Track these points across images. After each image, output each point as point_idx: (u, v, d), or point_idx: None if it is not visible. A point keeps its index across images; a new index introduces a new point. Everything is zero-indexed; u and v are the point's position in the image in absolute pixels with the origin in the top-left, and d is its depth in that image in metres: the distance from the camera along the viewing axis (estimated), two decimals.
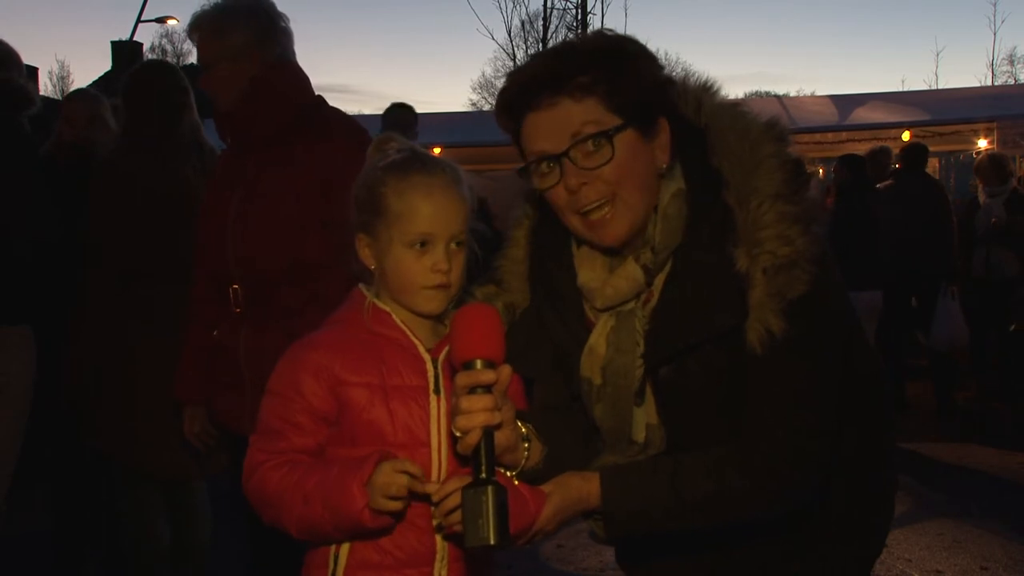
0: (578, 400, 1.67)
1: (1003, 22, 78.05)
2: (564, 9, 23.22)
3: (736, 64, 72.96)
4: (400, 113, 5.66)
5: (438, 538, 1.54)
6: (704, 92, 1.63)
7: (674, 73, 1.62)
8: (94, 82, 24.19)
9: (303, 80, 2.71)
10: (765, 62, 72.14)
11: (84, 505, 3.77)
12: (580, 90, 1.49)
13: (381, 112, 5.97)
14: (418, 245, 1.55)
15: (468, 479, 1.37)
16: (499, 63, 28.57)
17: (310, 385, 1.54)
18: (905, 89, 22.11)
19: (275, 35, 2.65)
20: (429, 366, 1.57)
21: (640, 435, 1.60)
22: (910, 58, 72.26)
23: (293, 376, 1.56)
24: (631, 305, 1.59)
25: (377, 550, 1.54)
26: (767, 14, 72.27)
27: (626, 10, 47.06)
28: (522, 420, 1.54)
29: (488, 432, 1.37)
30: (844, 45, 73.99)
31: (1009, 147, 9.01)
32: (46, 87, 34.45)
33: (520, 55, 24.50)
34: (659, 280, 1.57)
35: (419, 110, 6.01)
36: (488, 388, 1.38)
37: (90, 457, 3.51)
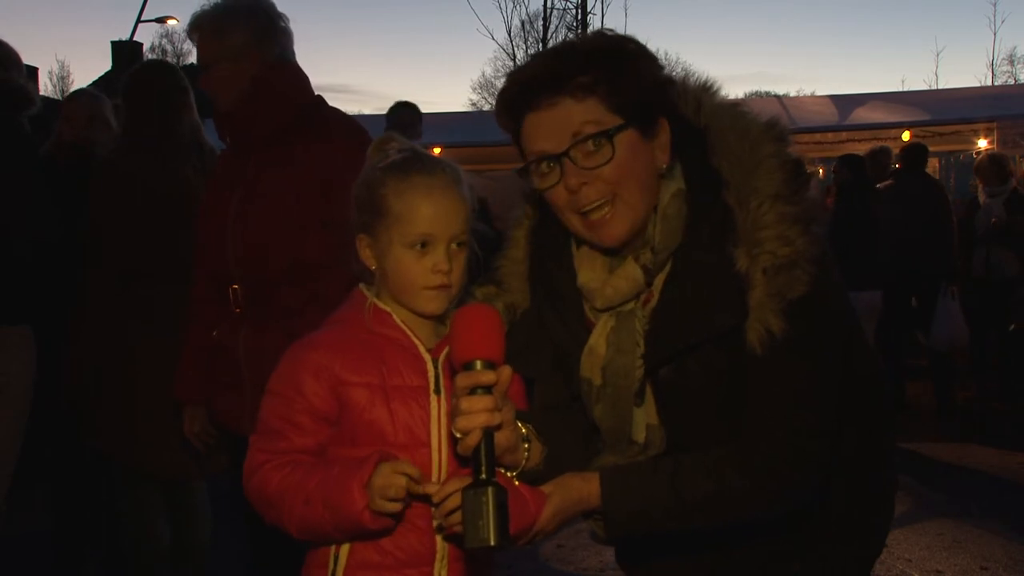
0: (578, 400, 1.67)
1: (1003, 22, 78.09)
2: (564, 9, 23.23)
3: (736, 64, 73.02)
4: (404, 112, 5.65)
5: (438, 538, 1.54)
6: (704, 92, 1.63)
7: (674, 73, 1.62)
8: (94, 82, 24.18)
9: (303, 80, 2.71)
10: (765, 62, 72.20)
11: (84, 505, 3.77)
12: (581, 90, 1.49)
13: (381, 112, 5.97)
14: (418, 246, 1.55)
15: (468, 480, 1.37)
16: (499, 63, 28.59)
17: (311, 385, 1.54)
18: (905, 89, 22.13)
19: (275, 35, 2.65)
20: (430, 366, 1.57)
21: (640, 435, 1.60)
22: (910, 58, 72.34)
23: (294, 376, 1.56)
24: (631, 305, 1.59)
25: (377, 550, 1.54)
26: (767, 14, 72.34)
27: (626, 10, 47.00)
28: (522, 421, 1.53)
29: (488, 433, 1.37)
30: (844, 45, 74.07)
31: (1009, 147, 9.01)
32: (46, 87, 34.48)
33: (520, 55, 24.51)
34: (659, 280, 1.57)
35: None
36: (488, 389, 1.38)
37: (90, 457, 3.51)
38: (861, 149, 8.41)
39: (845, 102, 10.68)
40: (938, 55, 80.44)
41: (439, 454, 1.55)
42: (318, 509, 1.48)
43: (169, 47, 36.77)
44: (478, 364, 1.39)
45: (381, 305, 1.61)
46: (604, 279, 1.59)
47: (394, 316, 1.60)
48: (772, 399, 1.50)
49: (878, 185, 7.32)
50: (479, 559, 1.58)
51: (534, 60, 1.60)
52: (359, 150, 2.47)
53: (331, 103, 2.75)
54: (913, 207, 7.04)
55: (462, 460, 1.47)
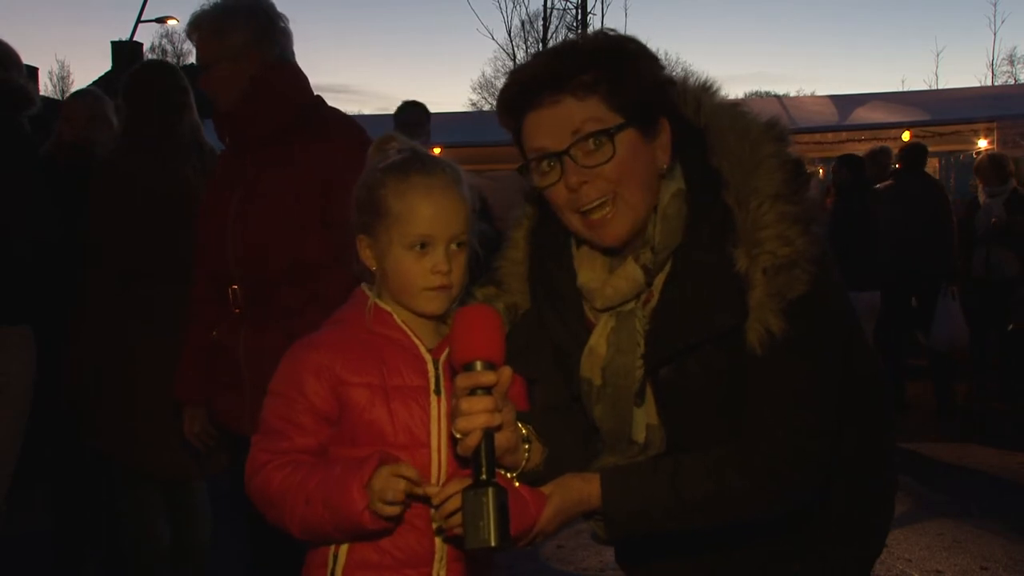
0: (578, 401, 1.67)
1: (1003, 22, 78.07)
2: (564, 9, 23.24)
3: (736, 64, 73.04)
4: (412, 111, 5.64)
5: (437, 539, 1.54)
6: (704, 92, 1.63)
7: (674, 73, 1.62)
8: (94, 82, 24.17)
9: (302, 80, 2.71)
10: (765, 62, 72.21)
11: (84, 505, 3.77)
12: (582, 89, 1.49)
13: (381, 112, 5.97)
14: (418, 246, 1.55)
15: (468, 481, 1.37)
16: (499, 63, 28.61)
17: (312, 385, 1.54)
18: (905, 89, 22.13)
19: (274, 35, 2.65)
20: (430, 367, 1.57)
21: (640, 436, 1.60)
22: (910, 58, 72.35)
23: (295, 376, 1.56)
24: (631, 305, 1.59)
25: (376, 550, 1.54)
26: (767, 14, 72.30)
27: (626, 10, 47.03)
28: (522, 421, 1.53)
29: (488, 434, 1.37)
30: (844, 45, 74.11)
31: (1009, 147, 9.00)
32: (46, 87, 34.50)
33: (520, 55, 24.52)
34: (659, 280, 1.57)
35: None
36: (488, 390, 1.38)
37: (90, 457, 3.51)
38: (861, 149, 8.41)
39: (845, 102, 10.68)
40: (938, 55, 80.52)
41: (439, 454, 1.55)
42: (318, 509, 1.48)
43: (169, 47, 36.83)
44: (478, 365, 1.39)
45: (382, 305, 1.61)
46: (604, 279, 1.59)
47: (395, 316, 1.60)
48: (772, 399, 1.50)
49: (878, 185, 7.32)
50: (479, 560, 1.58)
51: (535, 59, 1.60)
52: (359, 150, 2.47)
53: (331, 103, 2.76)
54: (913, 207, 7.04)
55: (462, 461, 1.46)
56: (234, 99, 2.61)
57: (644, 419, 1.59)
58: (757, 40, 74.01)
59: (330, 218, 2.46)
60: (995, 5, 46.30)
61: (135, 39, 25.78)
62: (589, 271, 1.62)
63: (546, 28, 23.40)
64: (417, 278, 1.56)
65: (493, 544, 1.31)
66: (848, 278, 1.65)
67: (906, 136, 9.30)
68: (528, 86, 1.53)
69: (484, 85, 31.12)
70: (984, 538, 4.51)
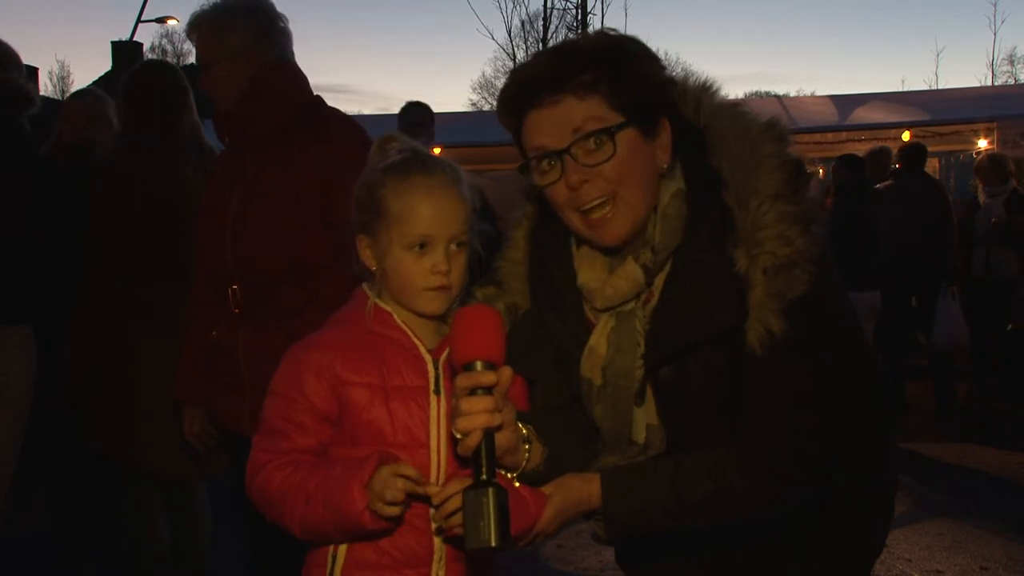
0: (578, 401, 1.67)
1: (1003, 22, 78.12)
2: (564, 9, 23.25)
3: (736, 64, 73.05)
4: (416, 112, 5.66)
5: (436, 539, 1.54)
6: (703, 92, 1.63)
7: (674, 73, 1.62)
8: (94, 82, 24.18)
9: (302, 80, 2.71)
10: (765, 62, 72.19)
11: (84, 505, 3.77)
12: (583, 88, 1.49)
13: (381, 112, 5.98)
14: (418, 247, 1.55)
15: (468, 481, 1.37)
16: (499, 63, 28.62)
17: (312, 385, 1.55)
18: (905, 89, 22.14)
19: (274, 35, 2.65)
20: (430, 367, 1.57)
21: (640, 436, 1.60)
22: (910, 58, 72.35)
23: (295, 376, 1.56)
24: (631, 305, 1.59)
25: (375, 550, 1.54)
26: (767, 14, 72.30)
27: (626, 10, 47.08)
28: (522, 421, 1.53)
29: (489, 434, 1.37)
30: (844, 45, 74.11)
31: (1009, 147, 9.00)
32: (46, 87, 34.51)
33: (520, 55, 24.52)
34: (659, 280, 1.57)
35: None
36: (489, 390, 1.38)
37: (90, 457, 3.51)
38: (861, 149, 8.41)
39: (845, 102, 10.68)
40: (938, 55, 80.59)
41: (438, 455, 1.55)
42: (318, 509, 1.48)
43: (169, 47, 36.84)
44: (478, 365, 1.39)
45: (382, 305, 1.61)
46: (604, 279, 1.59)
47: (395, 316, 1.60)
48: (772, 399, 1.50)
49: (878, 185, 7.32)
50: (479, 560, 1.58)
51: (536, 58, 1.60)
52: (358, 150, 2.48)
53: (331, 103, 2.75)
54: (913, 207, 7.04)
55: (461, 461, 1.47)
56: (234, 99, 2.61)
57: (644, 419, 1.59)
58: (757, 40, 74.06)
59: (330, 218, 2.46)
60: (995, 5, 46.38)
61: (135, 39, 25.81)
62: (589, 271, 1.62)
63: (546, 28, 23.42)
64: (417, 278, 1.56)
65: (493, 544, 1.31)
66: (848, 278, 1.65)
67: (906, 136, 9.30)
68: (529, 85, 1.53)
69: (484, 85, 31.16)
70: (984, 538, 4.51)
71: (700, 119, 1.61)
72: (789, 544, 1.66)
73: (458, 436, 1.39)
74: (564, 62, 1.51)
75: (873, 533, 1.74)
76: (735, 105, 1.62)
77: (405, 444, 1.53)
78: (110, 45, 28.38)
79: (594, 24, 22.07)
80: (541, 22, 23.78)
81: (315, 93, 2.74)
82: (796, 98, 14.54)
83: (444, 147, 8.40)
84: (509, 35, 26.17)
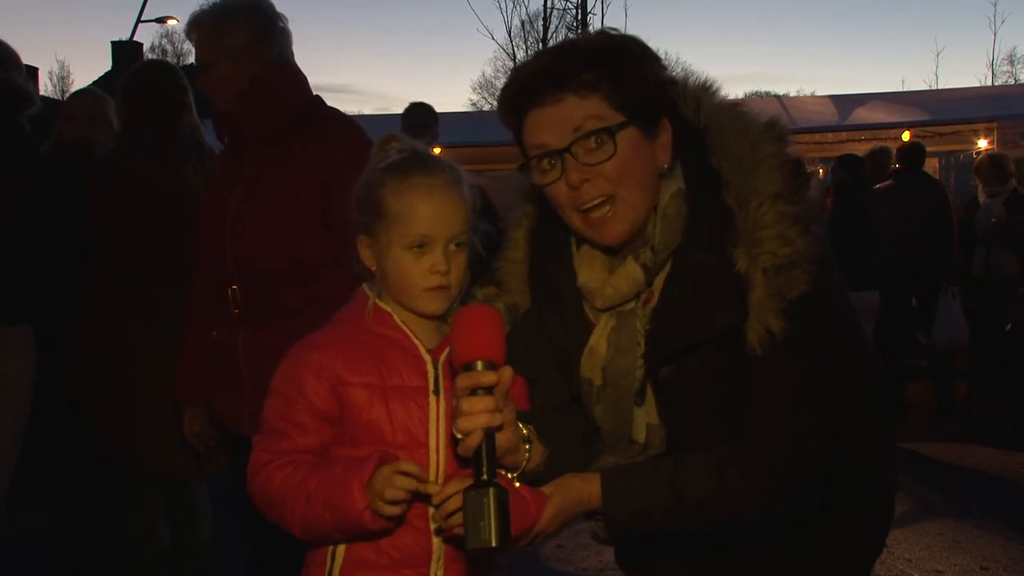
0: (578, 401, 1.67)
1: (1003, 22, 78.26)
2: (564, 9, 23.28)
3: (736, 64, 73.08)
4: (420, 112, 5.66)
5: (435, 539, 1.54)
6: (704, 92, 1.63)
7: (674, 73, 1.62)
8: (94, 82, 24.18)
9: (302, 80, 2.71)
10: (765, 62, 72.22)
11: (84, 505, 3.77)
12: (584, 87, 1.49)
13: (381, 112, 5.99)
14: (417, 247, 1.55)
15: (468, 481, 1.37)
16: (499, 63, 28.64)
17: (312, 385, 1.55)
18: (905, 89, 22.16)
19: (273, 35, 2.65)
20: (429, 367, 1.57)
21: (641, 435, 1.60)
22: (910, 58, 72.41)
23: (295, 376, 1.56)
24: (631, 305, 1.59)
25: (374, 549, 1.54)
26: (767, 14, 72.33)
27: (626, 10, 47.01)
28: (523, 421, 1.53)
29: (489, 434, 1.37)
30: (844, 45, 74.14)
31: (1009, 147, 9.01)
32: (46, 87, 34.53)
33: (520, 55, 24.54)
34: (659, 280, 1.57)
35: None
36: (489, 390, 1.38)
37: (90, 457, 3.51)
38: (861, 149, 8.41)
39: (845, 102, 10.68)
40: (938, 55, 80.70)
41: (437, 455, 1.55)
42: (319, 509, 1.48)
43: (169, 47, 36.87)
44: (479, 365, 1.39)
45: (382, 305, 1.61)
46: (604, 279, 1.59)
47: (395, 316, 1.60)
48: (773, 399, 1.50)
49: (877, 185, 7.32)
50: (480, 560, 1.58)
51: (537, 57, 1.60)
52: (358, 150, 2.48)
53: (331, 103, 2.75)
54: (913, 207, 7.04)
55: (461, 461, 1.47)
56: (233, 99, 2.61)
57: (644, 419, 1.59)
58: (757, 40, 74.10)
59: (330, 218, 2.46)
60: (995, 5, 46.48)
61: (135, 39, 25.81)
62: (589, 271, 1.62)
63: (546, 28, 23.45)
64: (416, 278, 1.56)
65: (494, 544, 1.31)
66: (848, 278, 1.65)
67: (906, 136, 9.31)
68: (530, 84, 1.53)
69: (484, 85, 31.18)
70: (984, 538, 4.51)
71: (700, 119, 1.61)
72: (789, 544, 1.66)
73: (459, 436, 1.39)
74: (565, 61, 1.51)
75: (873, 533, 1.74)
76: (735, 105, 1.62)
77: (404, 444, 1.53)
78: (110, 45, 28.41)
79: (594, 24, 22.11)
80: (541, 22, 23.83)
81: (315, 93, 2.74)
82: (796, 98, 14.55)
83: (444, 147, 8.40)
84: (509, 35, 26.20)
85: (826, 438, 1.53)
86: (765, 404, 1.51)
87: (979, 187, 7.66)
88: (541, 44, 23.04)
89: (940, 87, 21.24)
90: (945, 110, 10.05)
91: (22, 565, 4.22)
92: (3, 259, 3.03)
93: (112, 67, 26.94)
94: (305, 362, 1.57)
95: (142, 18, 23.41)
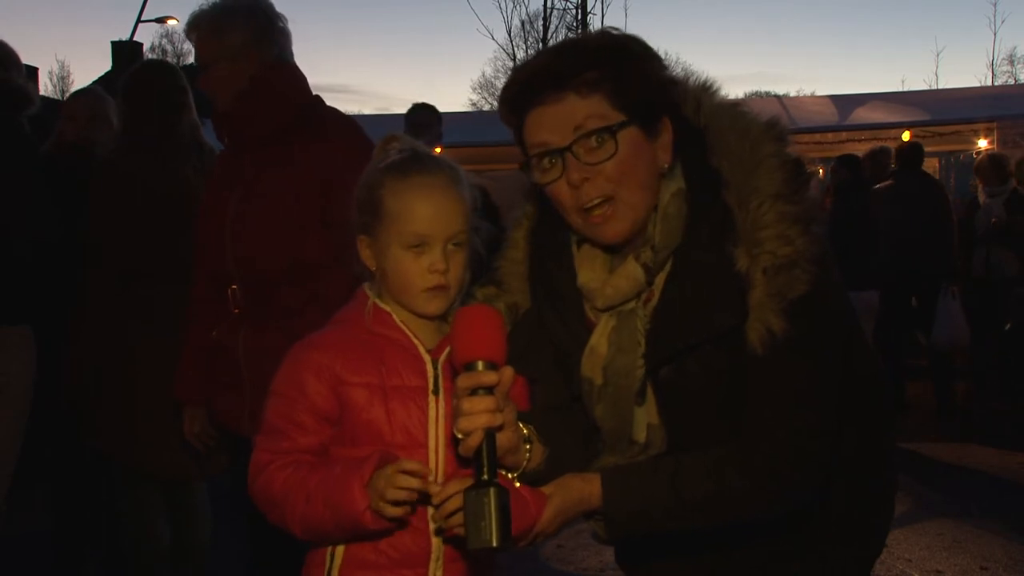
0: (578, 401, 1.67)
1: (1003, 22, 78.25)
2: (564, 9, 23.29)
3: (736, 64, 73.05)
4: (423, 113, 5.66)
5: (434, 539, 1.54)
6: (704, 92, 1.63)
7: (675, 73, 1.62)
8: (94, 82, 24.17)
9: (301, 80, 2.71)
10: (765, 62, 72.17)
11: (84, 505, 3.77)
12: (586, 86, 1.49)
13: (381, 112, 6.00)
14: (415, 246, 1.55)
15: (468, 481, 1.37)
16: (499, 63, 28.65)
17: (313, 385, 1.55)
18: (905, 89, 22.16)
19: (273, 35, 2.65)
20: (429, 367, 1.57)
21: (641, 435, 1.60)
22: (910, 58, 72.38)
23: (296, 376, 1.56)
24: (632, 305, 1.58)
25: (373, 550, 1.54)
26: (767, 14, 72.27)
27: (626, 10, 46.92)
28: (523, 421, 1.53)
29: (490, 434, 1.37)
30: (844, 45, 74.13)
31: (1009, 147, 9.00)
32: (46, 87, 34.53)
33: (520, 55, 24.54)
34: (659, 280, 1.57)
35: None
36: (490, 389, 1.38)
37: (90, 457, 3.51)
38: (861, 149, 8.41)
39: (845, 102, 10.68)
40: (938, 55, 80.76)
41: (436, 455, 1.55)
42: (319, 508, 1.48)
43: (169, 47, 36.87)
44: (480, 365, 1.38)
45: (382, 305, 1.61)
46: (604, 278, 1.59)
47: (394, 316, 1.60)
48: (773, 399, 1.50)
49: (877, 186, 7.32)
50: (481, 560, 1.58)
51: (538, 56, 1.60)
52: (358, 150, 2.48)
53: (331, 103, 2.75)
54: (913, 207, 7.04)
55: (460, 461, 1.47)
56: (233, 99, 2.61)
57: (645, 419, 1.59)
58: (757, 40, 74.08)
59: (330, 218, 2.46)
60: (995, 5, 46.47)
61: (135, 39, 25.83)
62: (589, 270, 1.62)
63: (546, 28, 23.46)
64: (415, 278, 1.56)
65: (495, 545, 1.31)
66: (848, 278, 1.65)
67: (906, 136, 9.30)
68: (531, 83, 1.53)
69: (484, 85, 31.18)
70: (984, 538, 4.51)
71: (700, 119, 1.61)
72: (789, 544, 1.66)
73: (459, 436, 1.38)
74: (567, 60, 1.51)
75: (873, 533, 1.74)
76: (735, 105, 1.62)
77: (403, 444, 1.53)
78: (110, 45, 28.42)
79: (594, 24, 22.11)
80: (541, 22, 23.84)
81: (314, 93, 2.74)
82: (796, 98, 14.55)
83: (444, 147, 8.39)
84: (509, 35, 26.19)
85: (826, 438, 1.53)
86: (765, 404, 1.51)
87: (979, 187, 7.66)
88: (541, 44, 23.05)
89: (940, 87, 21.25)
90: (945, 110, 10.05)
91: (22, 565, 4.22)
92: (3, 259, 3.03)
93: (112, 67, 26.94)
94: (305, 362, 1.57)
95: (142, 18, 23.44)
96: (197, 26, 2.65)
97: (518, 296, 1.73)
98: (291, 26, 2.72)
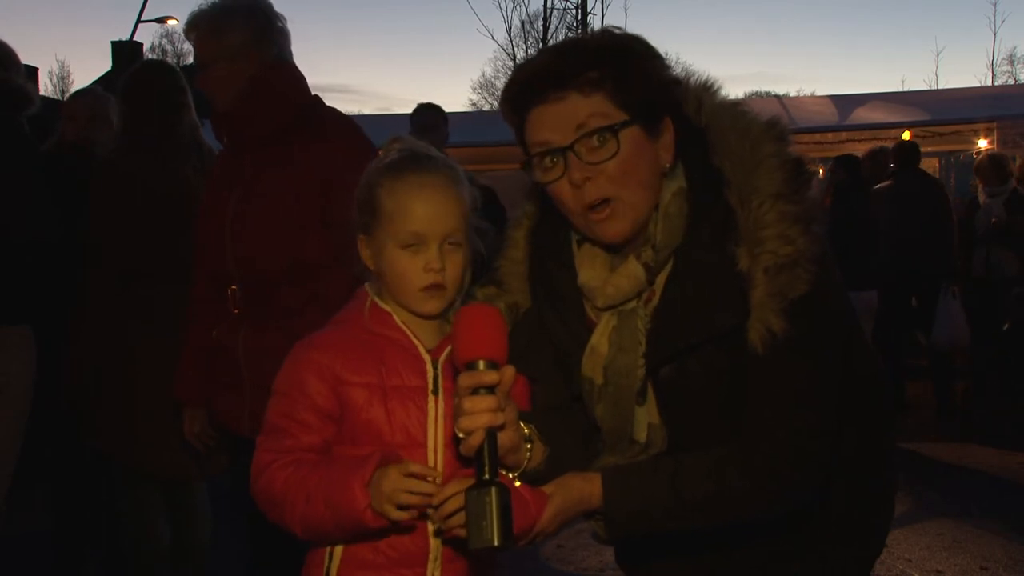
0: (578, 401, 1.67)
1: (1003, 22, 78.35)
2: (564, 9, 23.28)
3: (736, 64, 73.08)
4: (428, 113, 5.61)
5: (433, 539, 1.54)
6: (705, 92, 1.63)
7: (676, 73, 1.62)
8: (94, 82, 24.17)
9: (300, 80, 2.70)
10: (765, 62, 72.22)
11: (84, 505, 3.77)
12: (588, 85, 1.49)
13: (381, 112, 5.99)
14: (411, 245, 1.55)
15: (468, 481, 1.37)
16: (499, 63, 28.68)
17: (314, 384, 1.55)
18: (905, 89, 22.17)
19: (272, 35, 2.65)
20: (428, 367, 1.57)
21: (642, 435, 1.60)
22: (910, 58, 72.44)
23: (297, 376, 1.57)
24: (633, 304, 1.58)
25: (371, 549, 1.54)
26: (767, 14, 72.34)
27: (626, 10, 46.89)
28: (523, 421, 1.53)
29: (491, 433, 1.37)
30: (844, 45, 74.18)
31: (1009, 147, 9.00)
32: (46, 87, 34.55)
33: (520, 55, 24.54)
34: (660, 279, 1.57)
35: None
36: (491, 389, 1.38)
37: (90, 457, 3.51)
38: (861, 149, 8.40)
39: (845, 102, 10.68)
40: (938, 55, 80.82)
41: (435, 455, 1.55)
42: (319, 508, 1.48)
43: (169, 47, 36.91)
44: (481, 364, 1.38)
45: (382, 305, 1.61)
46: (605, 278, 1.59)
47: (394, 316, 1.60)
48: (773, 399, 1.50)
49: (877, 186, 7.31)
50: (483, 560, 1.58)
51: (540, 56, 1.59)
52: (357, 149, 2.48)
53: (331, 103, 2.75)
54: (912, 207, 7.04)
55: (460, 462, 1.47)
56: (232, 99, 2.61)
57: (646, 418, 1.59)
58: (757, 40, 74.14)
59: (330, 218, 2.46)
60: (995, 5, 46.53)
61: (135, 39, 25.84)
62: (590, 270, 1.62)
63: (546, 28, 23.45)
64: (411, 277, 1.56)
65: (496, 544, 1.31)
66: (848, 278, 1.65)
67: (906, 136, 9.30)
68: (532, 82, 1.53)
69: (484, 85, 31.22)
70: (984, 538, 4.51)
71: (701, 118, 1.61)
72: (789, 544, 1.66)
73: (460, 435, 1.38)
74: (569, 59, 1.51)
75: (873, 533, 1.74)
76: (736, 104, 1.62)
77: (403, 444, 1.53)
78: (110, 45, 28.44)
79: (594, 24, 22.10)
80: (541, 22, 23.83)
81: (314, 93, 2.73)
82: (796, 98, 14.54)
83: (444, 147, 8.38)
84: (509, 35, 26.21)
85: (826, 438, 1.53)
86: (765, 404, 1.51)
87: (979, 187, 7.65)
88: (541, 44, 23.05)
89: (940, 87, 21.27)
90: (945, 110, 10.05)
91: (22, 565, 4.22)
92: (3, 259, 3.03)
93: (112, 67, 26.94)
94: (306, 362, 1.57)
95: (142, 18, 23.45)
96: (196, 26, 2.65)
97: (518, 296, 1.73)
98: (291, 26, 2.72)
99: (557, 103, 1.50)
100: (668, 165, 1.55)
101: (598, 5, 23.88)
